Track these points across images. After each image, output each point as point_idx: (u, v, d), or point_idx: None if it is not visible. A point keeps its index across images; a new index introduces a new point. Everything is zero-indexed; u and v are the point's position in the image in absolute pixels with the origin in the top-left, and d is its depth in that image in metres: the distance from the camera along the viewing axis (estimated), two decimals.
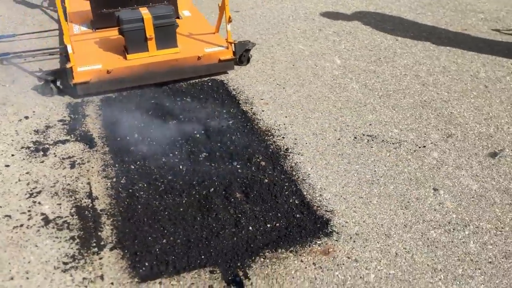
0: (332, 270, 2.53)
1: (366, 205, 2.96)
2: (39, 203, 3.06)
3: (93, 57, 4.36)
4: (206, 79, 4.52)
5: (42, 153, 3.52)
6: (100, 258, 2.65)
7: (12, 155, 3.51)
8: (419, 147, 3.47)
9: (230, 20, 4.38)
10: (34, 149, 3.57)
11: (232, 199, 2.99)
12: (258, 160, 3.36)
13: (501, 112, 3.87)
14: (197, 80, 4.50)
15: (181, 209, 2.97)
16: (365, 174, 3.22)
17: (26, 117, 3.97)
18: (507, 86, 4.25)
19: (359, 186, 3.12)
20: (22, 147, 3.59)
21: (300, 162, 3.35)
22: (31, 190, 3.16)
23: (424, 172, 3.22)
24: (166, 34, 4.36)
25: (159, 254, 2.67)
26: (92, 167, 3.38)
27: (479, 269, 2.56)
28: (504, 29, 5.35)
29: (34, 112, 4.04)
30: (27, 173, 3.33)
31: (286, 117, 3.89)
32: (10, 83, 4.51)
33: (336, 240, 2.71)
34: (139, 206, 3.01)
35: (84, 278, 2.54)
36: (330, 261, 2.58)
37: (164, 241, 2.77)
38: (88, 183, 3.22)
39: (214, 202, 2.98)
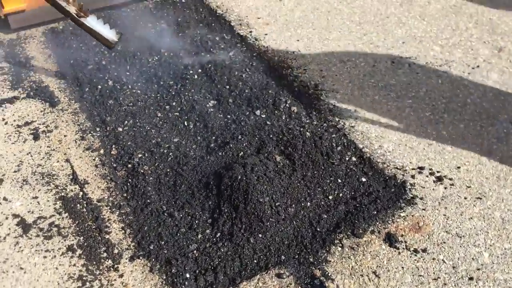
0: (433, 253, 1.95)
1: (441, 154, 2.36)
2: (5, 199, 2.17)
3: None
4: None
5: None
6: (121, 276, 1.90)
7: None
8: (473, 68, 2.86)
9: None
10: None
11: (274, 165, 2.26)
12: (286, 105, 2.60)
13: None
14: None
15: (210, 187, 2.20)
16: (423, 111, 2.59)
17: None
18: None
19: (422, 128, 2.49)
20: None
21: (338, 102, 2.64)
22: None
23: (491, 102, 2.64)
24: None
25: (199, 258, 1.96)
26: (65, 136, 2.47)
27: None
28: None
29: None
30: None
31: (298, 40, 3.08)
32: None
33: (423, 209, 2.12)
34: (149, 188, 2.22)
35: None
36: (427, 240, 2.00)
37: (200, 236, 2.04)
38: (67, 161, 2.34)
39: (253, 173, 2.22)
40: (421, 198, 2.16)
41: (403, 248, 1.97)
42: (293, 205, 2.13)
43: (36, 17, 3.12)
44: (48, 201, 2.16)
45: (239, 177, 2.13)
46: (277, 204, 2.09)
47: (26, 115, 2.58)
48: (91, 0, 3.18)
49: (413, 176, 2.25)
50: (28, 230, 2.05)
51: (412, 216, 2.09)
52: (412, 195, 2.17)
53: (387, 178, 2.25)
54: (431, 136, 2.45)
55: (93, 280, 1.88)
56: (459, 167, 2.29)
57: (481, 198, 2.15)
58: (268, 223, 2.04)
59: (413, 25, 3.20)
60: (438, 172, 2.27)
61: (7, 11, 2.98)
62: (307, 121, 2.51)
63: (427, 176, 2.25)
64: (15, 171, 2.29)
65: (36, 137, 2.46)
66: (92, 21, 2.47)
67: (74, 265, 1.93)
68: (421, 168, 2.29)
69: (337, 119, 2.53)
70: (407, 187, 2.20)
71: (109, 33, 2.49)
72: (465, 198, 2.16)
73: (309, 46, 3.02)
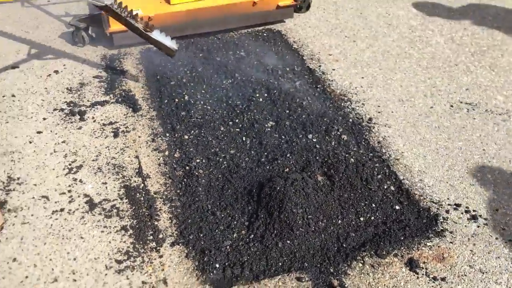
0: (452, 283, 2.00)
1: (481, 195, 2.40)
2: (81, 181, 2.55)
3: (132, 1, 3.72)
4: (260, 28, 3.88)
5: (78, 117, 2.99)
6: (160, 256, 2.16)
7: (44, 118, 2.98)
8: None
9: None
10: (69, 111, 3.03)
11: (313, 183, 2.44)
12: (338, 132, 2.78)
13: None
14: (249, 30, 3.87)
15: (252, 194, 2.43)
16: (472, 154, 2.64)
17: (56, 72, 3.41)
18: None
19: (467, 169, 2.55)
20: (55, 109, 3.06)
21: (388, 136, 2.78)
22: (70, 164, 2.65)
23: None
24: None
25: (231, 253, 2.17)
26: (139, 137, 2.84)
27: None
28: None
29: (64, 65, 3.48)
30: (63, 142, 2.81)
31: (362, 78, 3.27)
32: (33, 29, 3.93)
33: (451, 242, 2.17)
34: (200, 189, 2.49)
35: (143, 282, 2.06)
36: (448, 271, 2.05)
37: (235, 235, 2.26)
38: (136, 157, 2.69)
39: (292, 186, 2.42)
40: (451, 232, 2.21)
41: (423, 274, 2.05)
42: (325, 220, 2.29)
43: (135, 37, 3.59)
44: (114, 187, 2.51)
45: (278, 188, 2.34)
46: (309, 216, 2.26)
47: (112, 116, 2.99)
48: (182, 27, 3.62)
49: (447, 211, 2.32)
50: (93, 208, 2.39)
51: (438, 247, 2.16)
52: (442, 228, 2.23)
53: (421, 209, 2.34)
54: (475, 178, 2.49)
55: (137, 256, 2.16)
56: (497, 210, 2.31)
57: None
58: (298, 232, 2.22)
59: (480, 74, 3.26)
60: (474, 211, 2.32)
61: (112, 30, 3.49)
62: (354, 149, 2.67)
63: (462, 213, 2.31)
64: (93, 160, 2.67)
65: (116, 135, 2.85)
66: (156, 34, 2.93)
67: (124, 242, 2.23)
68: (458, 205, 2.35)
69: (383, 151, 2.67)
70: (439, 220, 2.27)
71: (170, 43, 2.99)
72: (497, 238, 2.18)
73: (372, 83, 3.19)
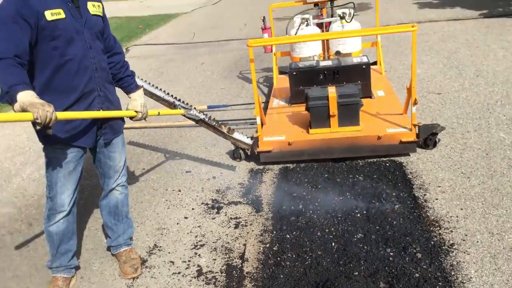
0: None
1: None
2: (199, 255, 3.36)
3: (280, 129, 4.71)
4: (385, 159, 4.42)
5: (216, 210, 3.89)
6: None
7: (193, 208, 3.96)
8: None
9: (415, 102, 4.25)
10: (211, 206, 3.97)
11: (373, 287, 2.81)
12: (414, 250, 3.10)
13: None
14: (375, 160, 4.44)
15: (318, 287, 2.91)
16: None
17: (214, 177, 4.45)
18: None
19: None
20: (202, 203, 4.03)
21: (463, 262, 2.98)
22: (196, 242, 3.50)
23: None
24: (349, 112, 4.46)
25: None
26: (252, 230, 3.58)
27: None
28: None
29: (221, 173, 4.51)
30: (198, 226, 3.70)
31: (461, 209, 3.52)
32: (211, 146, 5.15)
33: None
34: (281, 276, 3.06)
35: None
36: None
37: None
38: (244, 245, 3.41)
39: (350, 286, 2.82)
40: None
41: None
42: None
43: (278, 157, 4.50)
44: (219, 263, 3.25)
45: (336, 284, 2.79)
46: None
47: (239, 213, 3.82)
48: (317, 152, 4.39)
49: None
50: (200, 276, 3.16)
51: None
52: None
53: None
54: None
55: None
56: None
57: None
58: None
59: None
60: None
61: (259, 150, 4.46)
62: (424, 266, 2.95)
63: None
64: (213, 242, 3.49)
65: (236, 227, 3.65)
66: (236, 135, 4.07)
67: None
68: None
69: (452, 273, 2.89)
70: None
71: (247, 140, 4.15)
72: None
73: (468, 215, 3.42)
